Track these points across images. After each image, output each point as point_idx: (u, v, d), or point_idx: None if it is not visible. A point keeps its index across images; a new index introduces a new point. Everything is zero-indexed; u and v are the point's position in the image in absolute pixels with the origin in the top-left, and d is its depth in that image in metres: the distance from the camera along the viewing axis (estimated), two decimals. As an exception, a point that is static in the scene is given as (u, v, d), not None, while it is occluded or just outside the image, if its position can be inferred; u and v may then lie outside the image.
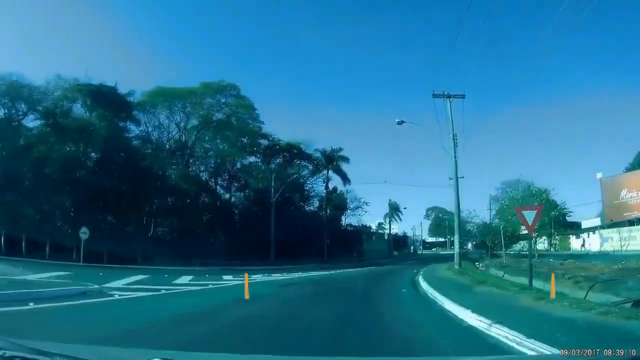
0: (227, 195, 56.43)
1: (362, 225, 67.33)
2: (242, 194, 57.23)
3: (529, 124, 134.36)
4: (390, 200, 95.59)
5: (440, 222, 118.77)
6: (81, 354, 2.65)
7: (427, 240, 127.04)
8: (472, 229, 45.12)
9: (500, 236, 34.44)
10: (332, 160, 66.22)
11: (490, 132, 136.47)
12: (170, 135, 53.35)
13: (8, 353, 2.27)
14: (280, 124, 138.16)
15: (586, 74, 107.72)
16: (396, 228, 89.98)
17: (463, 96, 26.61)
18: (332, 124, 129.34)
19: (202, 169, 54.91)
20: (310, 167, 60.08)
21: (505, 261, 32.21)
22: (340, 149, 67.00)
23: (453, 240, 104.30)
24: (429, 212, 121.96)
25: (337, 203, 64.47)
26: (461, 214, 48.96)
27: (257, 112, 54.25)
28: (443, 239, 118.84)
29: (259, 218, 50.78)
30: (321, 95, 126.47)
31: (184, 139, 53.76)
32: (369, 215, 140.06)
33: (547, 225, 39.41)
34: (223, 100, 54.07)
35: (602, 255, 36.31)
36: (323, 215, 64.05)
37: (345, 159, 66.20)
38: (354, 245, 62.09)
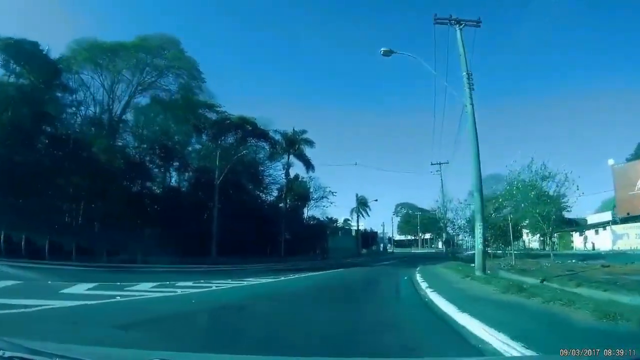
0: (165, 177, 46.44)
1: (328, 218, 58.87)
2: (183, 176, 47.43)
3: (520, 115, 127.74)
4: (357, 194, 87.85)
5: (411, 218, 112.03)
6: (80, 354, 2.60)
7: (396, 238, 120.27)
8: (460, 222, 37.26)
9: (509, 229, 26.45)
10: (293, 144, 57.67)
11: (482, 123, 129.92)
12: (96, 101, 43.01)
13: (7, 353, 2.27)
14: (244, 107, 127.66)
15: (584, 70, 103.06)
16: (363, 224, 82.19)
17: (478, 23, 18.16)
18: (298, 109, 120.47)
19: (134, 144, 44.61)
20: (268, 149, 50.94)
21: (515, 262, 24.50)
22: (304, 132, 58.65)
23: (427, 239, 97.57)
24: (399, 209, 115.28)
25: (298, 192, 55.73)
26: (446, 207, 42.26)
27: (202, 76, 44.75)
28: (413, 237, 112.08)
29: (203, 206, 41.37)
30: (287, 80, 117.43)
31: (113, 106, 43.58)
32: (335, 210, 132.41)
33: (549, 219, 31.99)
34: (163, 62, 44.34)
35: (621, 255, 29.32)
36: (283, 207, 55.25)
37: (309, 143, 57.82)
38: (318, 241, 53.58)
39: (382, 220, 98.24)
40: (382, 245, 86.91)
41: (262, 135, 49.04)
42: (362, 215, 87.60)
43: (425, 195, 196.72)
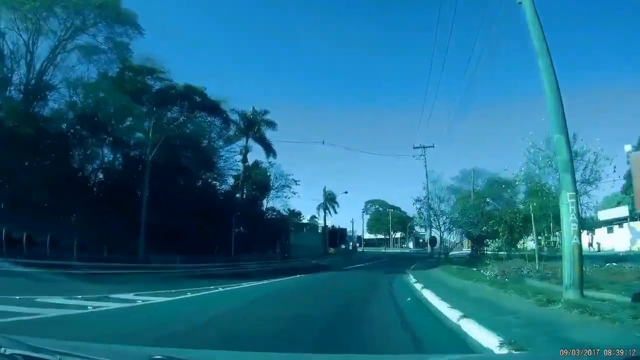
0: (93, 155, 37.44)
1: (289, 210, 51.01)
2: (114, 154, 38.65)
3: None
4: (325, 186, 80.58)
5: (381, 216, 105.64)
6: (81, 351, 2.59)
7: (366, 237, 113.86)
8: (451, 214, 30.30)
9: (531, 221, 19.51)
10: (253, 125, 49.87)
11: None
12: (13, 55, 33.64)
13: (9, 351, 2.27)
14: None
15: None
16: (331, 222, 75.10)
17: None
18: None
19: (56, 111, 35.30)
20: (220, 125, 42.72)
21: (531, 266, 17.91)
22: (266, 112, 51.04)
23: (398, 238, 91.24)
24: (369, 206, 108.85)
25: (257, 180, 47.98)
26: (430, 198, 35.36)
27: (143, 33, 36.19)
28: (383, 236, 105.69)
29: (132, 192, 33.14)
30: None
31: (33, 64, 34.38)
32: (300, 204, 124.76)
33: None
34: (94, 14, 35.48)
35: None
36: (239, 198, 47.37)
37: (271, 125, 50.38)
38: (278, 238, 45.83)
39: (351, 219, 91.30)
40: (351, 244, 79.96)
41: (213, 108, 40.84)
42: (330, 212, 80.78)
43: (398, 192, 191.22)
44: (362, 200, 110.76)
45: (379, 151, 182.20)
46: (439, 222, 26.20)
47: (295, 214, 53.29)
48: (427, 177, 33.89)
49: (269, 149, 49.41)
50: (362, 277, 18.97)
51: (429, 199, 30.66)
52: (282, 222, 47.69)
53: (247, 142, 49.72)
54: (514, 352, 4.50)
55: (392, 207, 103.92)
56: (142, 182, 31.14)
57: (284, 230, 47.37)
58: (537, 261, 18.95)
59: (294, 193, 49.70)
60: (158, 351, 2.76)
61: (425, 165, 36.29)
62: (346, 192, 60.58)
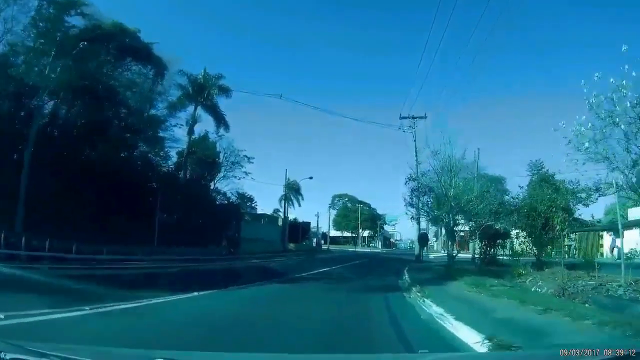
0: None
1: (239, 194, 42.34)
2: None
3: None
4: (287, 171, 72.44)
5: (349, 212, 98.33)
6: (82, 354, 2.59)
7: (332, 234, 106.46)
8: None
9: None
10: (203, 90, 41.28)
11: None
12: None
13: (9, 355, 2.26)
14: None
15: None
16: (294, 216, 67.26)
17: None
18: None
19: None
20: (152, 77, 33.88)
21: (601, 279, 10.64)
22: (221, 76, 42.46)
23: (366, 236, 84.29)
24: (336, 200, 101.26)
25: (203, 157, 39.33)
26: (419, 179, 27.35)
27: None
28: (351, 234, 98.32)
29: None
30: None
31: None
32: (261, 198, 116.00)
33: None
34: None
35: None
36: (182, 177, 38.77)
37: (225, 91, 42.01)
38: (225, 228, 37.34)
39: (316, 213, 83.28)
40: (315, 240, 72.14)
41: (147, 56, 31.94)
42: (293, 204, 73.13)
43: (370, 187, 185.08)
44: (330, 194, 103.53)
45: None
46: (449, 206, 17.42)
47: (247, 199, 44.60)
48: (416, 156, 26.53)
49: (220, 119, 41.01)
50: (332, 307, 9.76)
51: (418, 179, 23.05)
52: (230, 209, 39.14)
53: (195, 110, 41.13)
54: (513, 352, 4.51)
55: (362, 202, 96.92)
56: (27, 138, 22.19)
57: (233, 219, 38.93)
58: (623, 273, 11.53)
59: (246, 174, 41.31)
60: (159, 354, 2.68)
61: (415, 141, 28.80)
62: (311, 178, 52.33)
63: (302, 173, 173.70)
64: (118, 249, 23.33)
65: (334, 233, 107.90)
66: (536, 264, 16.99)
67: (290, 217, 65.79)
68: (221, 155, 40.18)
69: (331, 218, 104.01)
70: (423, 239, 30.79)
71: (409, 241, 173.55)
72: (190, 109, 40.87)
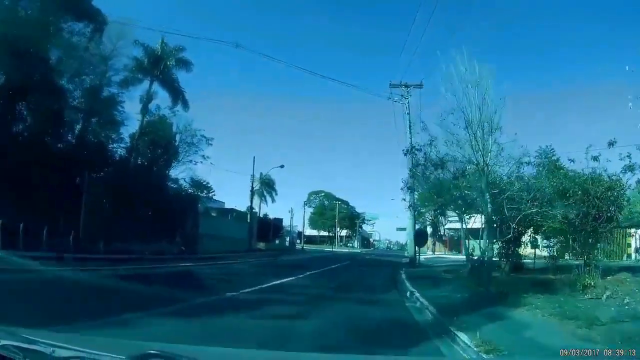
0: None
1: (194, 181, 36.10)
2: None
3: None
4: (261, 173, 66.77)
5: (326, 210, 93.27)
6: (75, 343, 2.58)
7: (307, 233, 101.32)
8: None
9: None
10: (160, 62, 35.82)
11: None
12: None
13: (1, 342, 2.23)
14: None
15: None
16: (263, 212, 61.80)
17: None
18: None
19: None
20: (93, 36, 28.12)
21: None
22: (181, 49, 37.03)
23: (343, 236, 79.90)
24: (312, 197, 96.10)
25: (158, 137, 33.58)
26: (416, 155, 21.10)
27: None
28: (327, 233, 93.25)
29: None
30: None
31: None
32: (232, 195, 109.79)
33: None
34: None
35: None
36: (132, 161, 33.04)
37: (185, 65, 36.55)
38: (183, 222, 31.71)
39: (289, 209, 77.50)
40: (288, 239, 66.64)
41: (86, 12, 26.03)
42: (266, 200, 68.11)
43: (347, 184, 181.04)
44: (306, 191, 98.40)
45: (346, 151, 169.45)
46: (484, 183, 11.41)
47: (204, 188, 38.27)
48: (409, 130, 21.26)
49: (178, 95, 35.36)
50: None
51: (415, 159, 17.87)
52: (186, 200, 33.19)
53: (150, 86, 35.49)
54: (513, 354, 4.72)
55: (340, 200, 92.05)
56: None
57: (191, 212, 33.15)
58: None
59: (204, 157, 35.63)
60: (153, 345, 2.65)
61: (409, 114, 23.48)
62: (282, 166, 46.34)
63: (274, 165, 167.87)
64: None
65: (310, 232, 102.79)
66: (588, 268, 12.09)
67: (267, 215, 60.56)
68: (178, 137, 34.22)
69: (307, 216, 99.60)
70: (421, 236, 24.64)
71: (387, 241, 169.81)
72: (146, 85, 35.36)
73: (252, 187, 43.88)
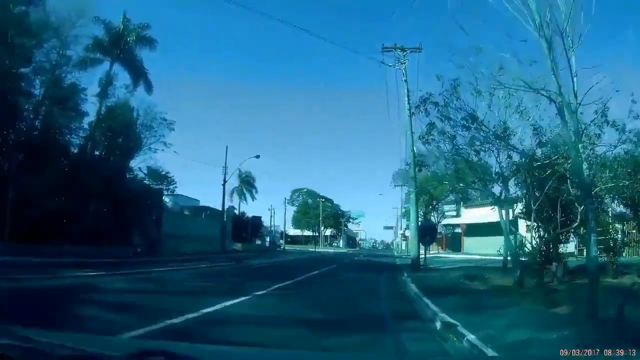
0: None
1: (151, 170, 31.57)
2: None
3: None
4: (240, 170, 62.62)
5: (310, 209, 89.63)
6: (73, 342, 2.48)
7: (291, 233, 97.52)
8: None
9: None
10: (121, 39, 32.06)
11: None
12: None
13: (0, 341, 2.17)
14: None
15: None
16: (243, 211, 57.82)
17: None
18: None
19: None
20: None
21: None
22: (146, 26, 33.27)
23: (329, 235, 76.17)
24: (295, 195, 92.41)
25: (117, 124, 29.62)
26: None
27: None
28: (312, 233, 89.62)
29: None
30: None
31: None
32: (211, 197, 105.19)
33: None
34: None
35: None
36: (89, 150, 29.11)
37: (149, 43, 32.80)
38: (142, 220, 27.78)
39: (269, 206, 72.43)
40: (269, 239, 62.67)
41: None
42: (245, 199, 64.66)
43: (332, 182, 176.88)
44: (288, 189, 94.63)
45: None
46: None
47: (163, 179, 33.47)
48: (408, 98, 17.51)
49: (139, 76, 31.48)
50: None
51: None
52: (145, 194, 28.90)
53: (111, 67, 31.58)
54: (513, 353, 4.48)
55: (324, 197, 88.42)
56: None
57: (151, 209, 29.11)
58: None
59: (167, 145, 31.70)
60: (149, 344, 2.95)
61: (406, 81, 19.58)
62: (257, 157, 41.44)
63: (253, 164, 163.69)
64: None
65: (294, 232, 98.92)
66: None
67: (244, 213, 56.55)
68: (139, 123, 30.24)
69: (290, 215, 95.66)
70: (428, 233, 19.21)
71: (373, 241, 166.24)
72: (106, 66, 31.36)
73: (225, 180, 39.41)
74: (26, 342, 2.25)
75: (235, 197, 63.66)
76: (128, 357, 2.10)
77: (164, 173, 31.79)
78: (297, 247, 72.83)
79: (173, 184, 33.60)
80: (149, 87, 32.02)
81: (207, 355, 2.91)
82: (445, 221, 52.37)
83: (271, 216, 64.72)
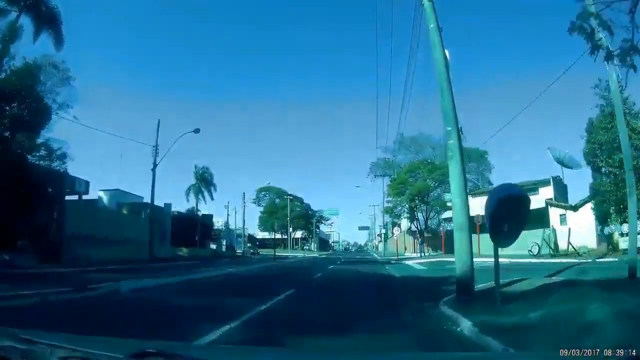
0: None
1: (50, 147, 23.00)
2: None
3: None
4: (196, 166, 54.73)
5: (277, 209, 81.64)
6: (73, 343, 2.44)
7: (259, 236, 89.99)
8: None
9: None
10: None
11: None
12: None
13: None
14: None
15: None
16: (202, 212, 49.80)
17: None
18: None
19: None
20: None
21: None
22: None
23: (299, 238, 66.10)
24: (261, 195, 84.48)
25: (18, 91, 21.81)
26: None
27: None
28: (281, 236, 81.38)
29: None
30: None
31: None
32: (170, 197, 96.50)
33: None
34: None
35: None
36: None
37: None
38: (34, 215, 19.97)
39: (228, 207, 63.36)
40: (225, 242, 54.26)
41: None
42: (203, 198, 56.61)
43: (302, 179, 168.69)
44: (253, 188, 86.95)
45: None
46: None
47: (55, 158, 24.37)
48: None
49: (42, 21, 23.96)
50: None
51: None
52: (40, 182, 20.80)
53: (18, 17, 24.06)
54: (513, 351, 4.38)
55: (292, 196, 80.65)
56: None
57: (50, 203, 21.21)
58: None
59: (66, 106, 24.01)
60: (149, 344, 2.54)
61: None
62: (196, 131, 31.49)
63: (217, 161, 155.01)
64: None
65: (263, 235, 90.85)
66: None
67: (194, 209, 48.44)
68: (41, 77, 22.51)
69: (257, 216, 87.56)
70: (510, 212, 6.73)
71: (346, 243, 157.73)
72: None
73: (155, 163, 30.18)
74: (26, 343, 2.25)
75: (192, 196, 56.10)
76: (128, 357, 2.09)
77: (57, 149, 23.19)
78: (264, 252, 64.83)
79: (64, 161, 24.49)
80: (59, 40, 24.48)
81: (207, 356, 2.99)
82: (445, 214, 45.43)
83: (228, 215, 56.27)
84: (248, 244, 60.83)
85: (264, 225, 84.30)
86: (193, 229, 39.72)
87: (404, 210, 46.03)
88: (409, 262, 28.51)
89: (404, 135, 41.70)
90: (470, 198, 10.23)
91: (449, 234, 34.65)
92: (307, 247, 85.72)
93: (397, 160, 43.81)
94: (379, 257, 47.85)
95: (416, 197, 41.37)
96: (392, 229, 47.94)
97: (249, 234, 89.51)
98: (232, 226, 62.83)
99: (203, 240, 42.86)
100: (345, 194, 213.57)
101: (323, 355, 3.74)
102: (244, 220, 56.41)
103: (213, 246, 46.61)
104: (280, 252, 63.10)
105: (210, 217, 47.16)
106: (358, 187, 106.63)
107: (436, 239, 41.71)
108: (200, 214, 44.82)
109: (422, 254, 37.29)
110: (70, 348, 2.29)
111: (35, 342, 2.29)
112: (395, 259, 34.03)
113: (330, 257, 50.59)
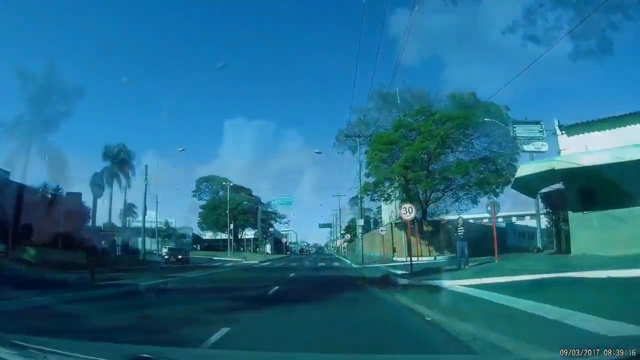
0: None
1: None
2: None
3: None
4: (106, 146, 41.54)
5: (220, 203, 66.93)
6: (67, 349, 2.57)
7: (206, 237, 76.82)
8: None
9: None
10: None
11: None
12: None
13: None
14: None
15: None
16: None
17: None
18: None
19: None
20: None
21: None
22: None
23: (252, 239, 52.53)
24: (202, 187, 70.39)
25: None
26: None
27: None
28: (225, 235, 65.74)
29: None
30: None
31: None
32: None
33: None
34: None
35: None
36: None
37: None
38: None
39: (157, 199, 48.74)
40: (127, 240, 40.45)
41: None
42: (119, 181, 45.07)
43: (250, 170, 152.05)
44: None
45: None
46: None
47: None
48: None
49: None
50: None
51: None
52: None
53: None
54: (513, 354, 4.47)
55: (239, 186, 66.65)
56: None
57: None
58: None
59: None
60: (145, 349, 2.76)
61: None
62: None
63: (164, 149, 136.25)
64: None
65: (208, 235, 76.38)
66: None
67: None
68: None
69: (197, 212, 72.99)
70: None
71: (305, 244, 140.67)
72: None
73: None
74: (20, 349, 2.31)
75: (107, 186, 42.31)
76: None
77: None
78: (201, 255, 51.15)
79: None
80: None
81: None
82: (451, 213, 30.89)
83: (145, 205, 41.08)
84: (167, 247, 45.24)
85: (206, 221, 69.99)
86: (53, 215, 24.03)
87: (394, 188, 31.88)
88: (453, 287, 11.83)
89: (388, 91, 27.43)
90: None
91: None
92: (260, 250, 69.99)
93: (379, 119, 29.39)
94: (349, 262, 35.44)
95: (415, 165, 27.76)
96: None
97: (194, 234, 75.23)
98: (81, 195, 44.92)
99: (73, 236, 25.72)
100: (303, 188, 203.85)
101: (323, 356, 3.98)
102: (144, 207, 39.69)
103: (106, 246, 30.38)
104: (221, 257, 49.94)
105: (78, 196, 27.29)
106: (319, 152, 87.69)
107: (439, 234, 29.19)
108: (64, 193, 27.62)
109: (435, 259, 24.82)
110: (63, 353, 2.36)
111: (29, 347, 2.35)
112: (370, 263, 23.94)
113: (286, 265, 35.39)
